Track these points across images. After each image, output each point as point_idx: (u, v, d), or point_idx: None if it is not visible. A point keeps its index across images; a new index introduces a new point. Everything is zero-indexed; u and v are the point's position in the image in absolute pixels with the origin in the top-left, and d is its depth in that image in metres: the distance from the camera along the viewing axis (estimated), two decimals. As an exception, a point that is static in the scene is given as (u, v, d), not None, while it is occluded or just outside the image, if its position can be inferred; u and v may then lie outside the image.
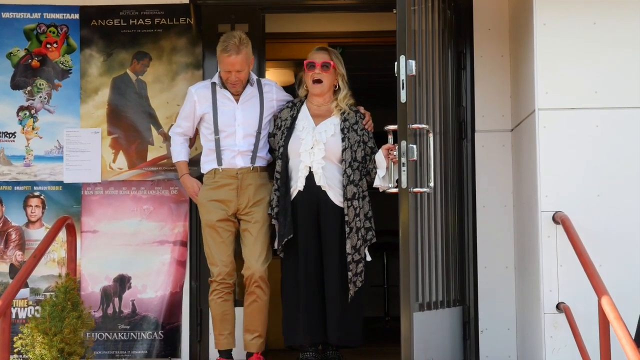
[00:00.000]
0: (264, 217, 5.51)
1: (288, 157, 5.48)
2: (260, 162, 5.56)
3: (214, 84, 5.60)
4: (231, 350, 5.57)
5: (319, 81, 5.53)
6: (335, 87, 5.59)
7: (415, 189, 4.99)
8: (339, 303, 5.37)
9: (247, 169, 5.52)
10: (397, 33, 4.81)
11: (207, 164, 5.58)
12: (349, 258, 5.36)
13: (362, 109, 5.62)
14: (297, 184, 5.46)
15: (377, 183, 5.38)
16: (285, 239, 5.40)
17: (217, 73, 5.63)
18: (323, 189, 5.43)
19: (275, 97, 5.67)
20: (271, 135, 5.62)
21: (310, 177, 5.44)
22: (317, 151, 5.43)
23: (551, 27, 5.23)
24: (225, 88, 5.56)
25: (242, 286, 5.62)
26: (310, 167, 5.44)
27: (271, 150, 5.64)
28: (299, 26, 7.52)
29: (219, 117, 5.53)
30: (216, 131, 5.53)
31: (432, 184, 5.11)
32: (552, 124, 5.21)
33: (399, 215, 4.84)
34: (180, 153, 5.67)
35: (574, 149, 5.20)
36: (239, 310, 5.59)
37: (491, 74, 6.02)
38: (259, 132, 5.54)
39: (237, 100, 5.57)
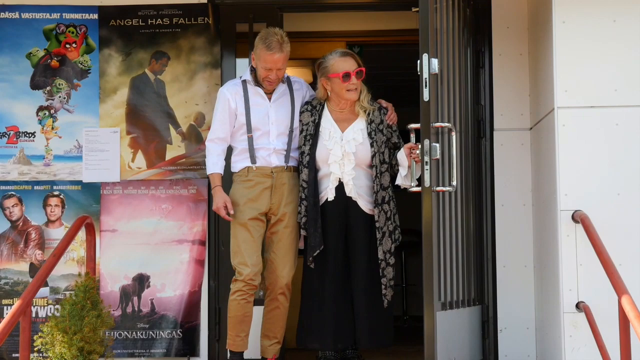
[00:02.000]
0: (294, 223, 5.42)
1: (316, 168, 5.38)
2: (293, 162, 5.46)
3: (244, 82, 5.49)
4: (243, 352, 5.50)
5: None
6: None
7: (438, 188, 4.98)
8: (369, 308, 5.32)
9: (282, 167, 5.43)
10: (419, 31, 4.82)
11: (239, 162, 5.46)
12: (383, 264, 5.30)
13: (383, 102, 5.52)
14: (327, 194, 5.38)
15: (399, 181, 5.32)
16: (317, 251, 5.32)
17: (248, 70, 5.53)
18: (354, 199, 5.36)
19: (305, 94, 5.59)
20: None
21: (339, 187, 5.37)
22: (347, 162, 5.34)
23: (570, 25, 5.21)
24: (259, 85, 5.46)
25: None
26: (340, 178, 5.37)
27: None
28: (317, 25, 7.49)
29: (252, 116, 5.42)
30: (249, 129, 5.41)
31: (454, 183, 5.10)
32: (571, 123, 5.18)
33: (418, 214, 4.83)
34: (216, 164, 5.40)
35: (593, 147, 5.17)
36: (257, 310, 5.51)
37: (510, 72, 6.00)
38: (291, 131, 5.45)
39: (269, 99, 5.47)
